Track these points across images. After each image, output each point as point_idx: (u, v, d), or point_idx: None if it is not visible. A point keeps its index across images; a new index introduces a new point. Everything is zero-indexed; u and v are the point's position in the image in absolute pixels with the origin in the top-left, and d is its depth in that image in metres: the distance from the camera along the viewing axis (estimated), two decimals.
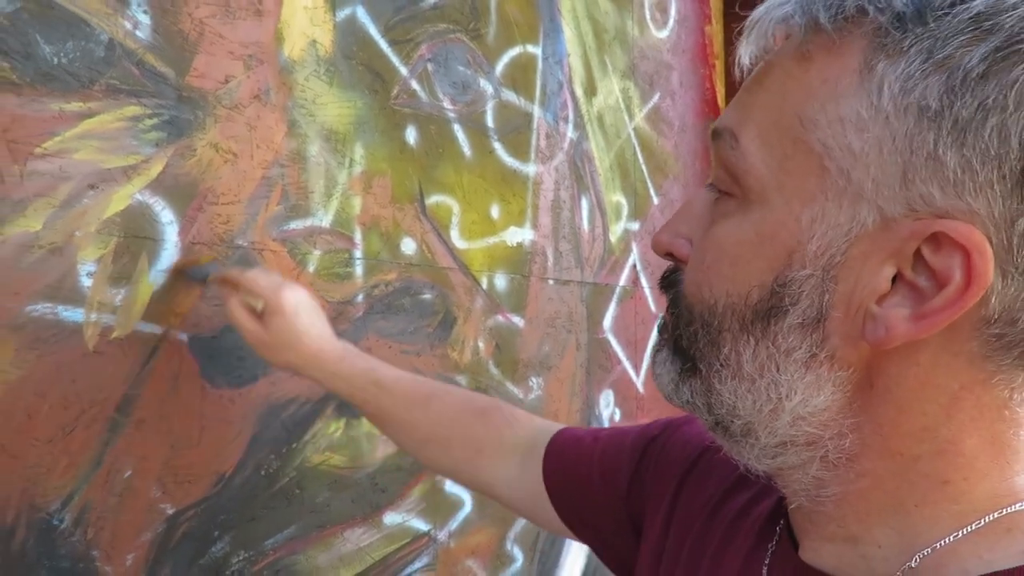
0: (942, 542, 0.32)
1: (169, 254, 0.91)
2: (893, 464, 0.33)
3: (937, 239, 0.29)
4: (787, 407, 0.34)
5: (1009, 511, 0.32)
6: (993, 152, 0.28)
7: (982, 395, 0.32)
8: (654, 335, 0.43)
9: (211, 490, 0.94)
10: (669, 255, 0.41)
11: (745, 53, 0.37)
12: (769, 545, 0.42)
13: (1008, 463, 0.32)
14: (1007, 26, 0.28)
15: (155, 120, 0.90)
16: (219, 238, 0.96)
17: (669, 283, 0.41)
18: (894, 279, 0.31)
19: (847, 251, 0.31)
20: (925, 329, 0.30)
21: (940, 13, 0.29)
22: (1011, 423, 0.32)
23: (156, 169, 0.90)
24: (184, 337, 0.92)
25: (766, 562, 0.41)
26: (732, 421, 0.36)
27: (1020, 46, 0.27)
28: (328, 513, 1.09)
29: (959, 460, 0.33)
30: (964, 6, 0.29)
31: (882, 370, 0.33)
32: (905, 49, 0.29)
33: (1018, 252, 0.29)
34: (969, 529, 0.32)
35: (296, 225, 1.06)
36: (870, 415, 0.33)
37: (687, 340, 0.38)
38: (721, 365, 0.36)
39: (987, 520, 0.32)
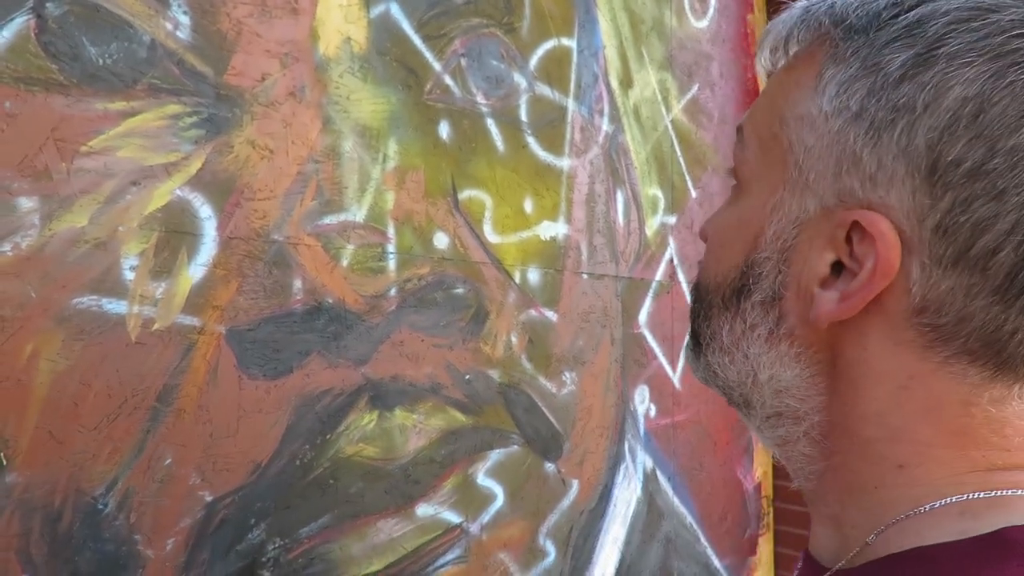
0: (896, 517, 0.34)
1: (208, 248, 0.93)
2: (854, 445, 0.35)
3: (860, 228, 0.32)
4: (761, 379, 0.37)
5: (970, 497, 0.32)
6: (901, 151, 0.30)
7: (934, 386, 0.33)
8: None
9: (248, 478, 0.97)
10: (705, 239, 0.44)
11: (759, 67, 0.41)
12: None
13: (974, 453, 0.33)
14: (930, 33, 0.30)
15: (195, 118, 0.92)
16: (256, 233, 0.99)
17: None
18: (835, 265, 0.34)
19: (796, 236, 0.35)
20: (846, 311, 0.33)
21: (883, 23, 0.32)
22: (978, 417, 0.33)
23: (195, 166, 0.92)
24: (222, 329, 0.95)
25: (798, 566, 0.43)
26: (731, 392, 0.41)
27: (937, 51, 0.30)
28: (361, 503, 1.11)
29: (914, 447, 0.34)
30: (904, 16, 0.31)
31: (840, 352, 0.35)
32: (847, 57, 0.33)
33: (931, 246, 0.31)
34: (923, 510, 0.33)
35: (330, 220, 1.08)
36: (835, 395, 0.36)
37: (694, 319, 0.42)
38: (710, 339, 0.40)
39: (942, 503, 0.33)
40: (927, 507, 0.33)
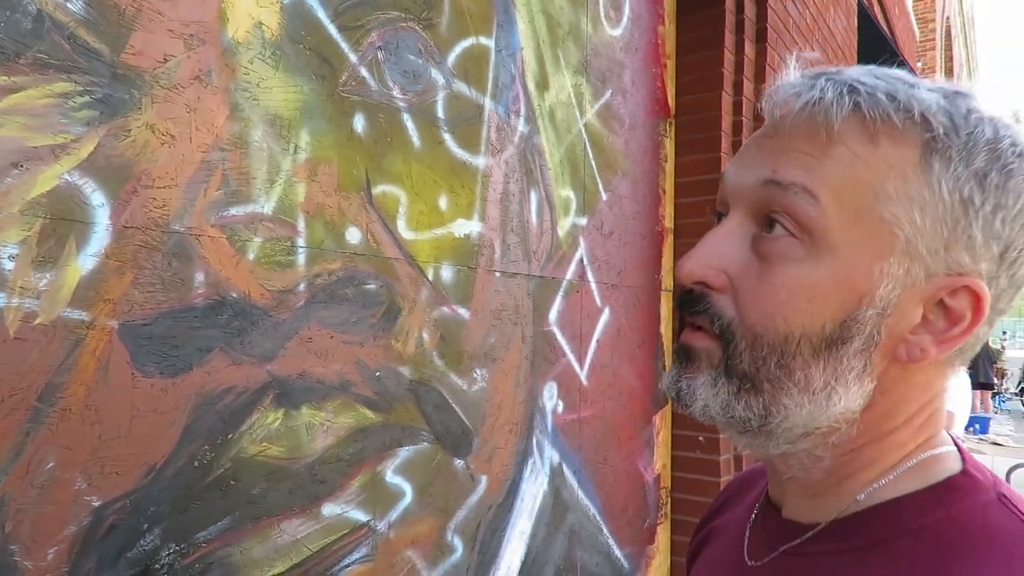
0: (883, 480, 0.45)
1: (100, 237, 0.88)
2: (878, 440, 0.45)
3: (960, 289, 0.42)
4: (833, 412, 0.44)
5: (925, 456, 0.45)
6: (996, 236, 0.42)
7: (939, 391, 0.46)
8: (671, 365, 0.46)
9: (140, 482, 0.92)
10: (700, 283, 0.46)
11: (779, 102, 0.45)
12: (752, 514, 0.54)
13: (929, 428, 0.46)
14: (1005, 150, 0.41)
15: (87, 98, 0.86)
16: (154, 223, 0.93)
17: (703, 309, 0.46)
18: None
19: (900, 295, 0.42)
20: (944, 350, 0.43)
21: (966, 133, 0.41)
22: (936, 403, 0.46)
23: (87, 149, 0.86)
24: (114, 324, 0.89)
25: (749, 523, 0.54)
26: (779, 424, 0.45)
27: (1012, 165, 0.41)
28: (264, 504, 1.07)
29: (911, 431, 0.46)
30: (979, 129, 0.42)
31: (894, 378, 0.44)
32: (952, 156, 0.41)
33: (996, 300, 0.43)
34: (899, 472, 0.45)
35: (236, 211, 1.04)
36: (875, 409, 0.45)
37: (750, 364, 0.44)
38: (792, 383, 0.44)
39: (911, 464, 0.45)
40: (902, 469, 0.45)
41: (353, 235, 1.22)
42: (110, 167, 0.88)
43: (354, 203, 1.22)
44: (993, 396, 11.21)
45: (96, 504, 0.87)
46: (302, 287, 1.13)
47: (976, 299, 0.42)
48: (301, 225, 1.13)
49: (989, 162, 0.41)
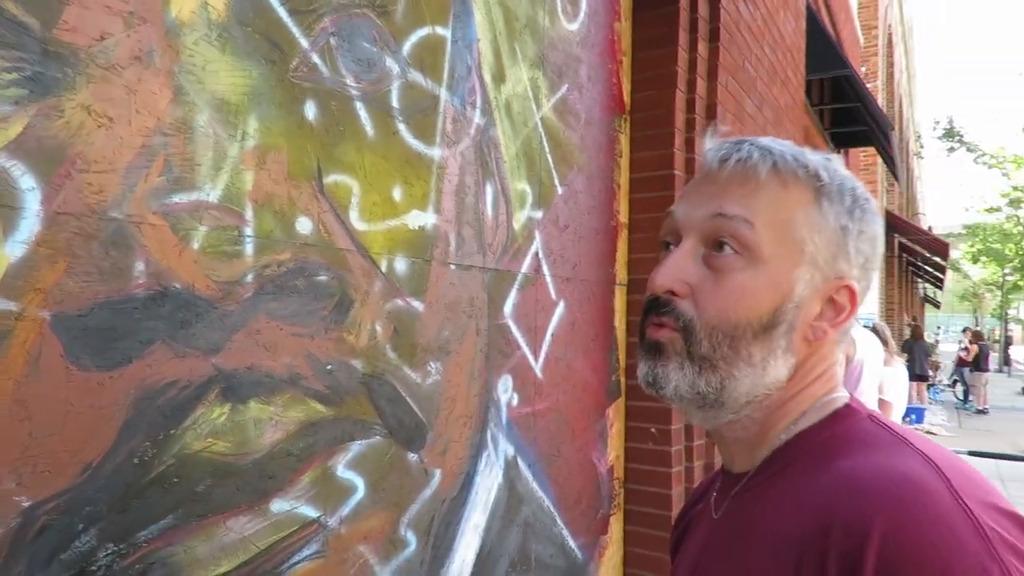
0: (795, 424, 0.61)
1: (29, 224, 0.83)
2: (794, 397, 0.61)
3: (842, 288, 0.61)
4: (767, 380, 0.59)
5: (824, 400, 0.62)
6: (860, 251, 0.61)
7: (836, 354, 0.64)
8: (647, 360, 0.56)
9: (75, 480, 0.88)
10: (669, 292, 0.61)
11: (715, 159, 0.62)
12: (716, 486, 0.68)
13: (833, 382, 0.63)
14: (859, 195, 0.62)
15: (14, 75, 0.81)
16: (90, 209, 0.89)
17: (668, 311, 0.60)
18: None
19: (808, 293, 0.60)
20: (836, 332, 0.62)
21: (838, 184, 0.61)
22: (837, 364, 0.65)
23: (15, 130, 0.81)
24: (46, 315, 0.85)
25: (714, 492, 0.67)
26: (729, 396, 0.59)
27: (865, 205, 0.62)
28: (210, 502, 1.04)
29: (823, 384, 0.62)
30: (843, 181, 0.61)
31: (815, 351, 0.62)
32: (832, 198, 0.60)
33: (860, 295, 0.62)
34: (805, 415, 0.61)
35: (180, 199, 1.00)
36: (793, 376, 0.61)
37: (707, 348, 0.59)
38: (740, 360, 0.59)
39: (814, 407, 0.61)
40: (807, 413, 0.61)
41: (304, 225, 1.19)
42: (41, 149, 0.84)
43: (305, 192, 1.19)
44: (928, 388, 11.73)
45: (26, 504, 0.83)
46: (250, 278, 1.10)
47: (852, 295, 0.61)
48: (249, 214, 1.10)
49: (852, 202, 0.61)
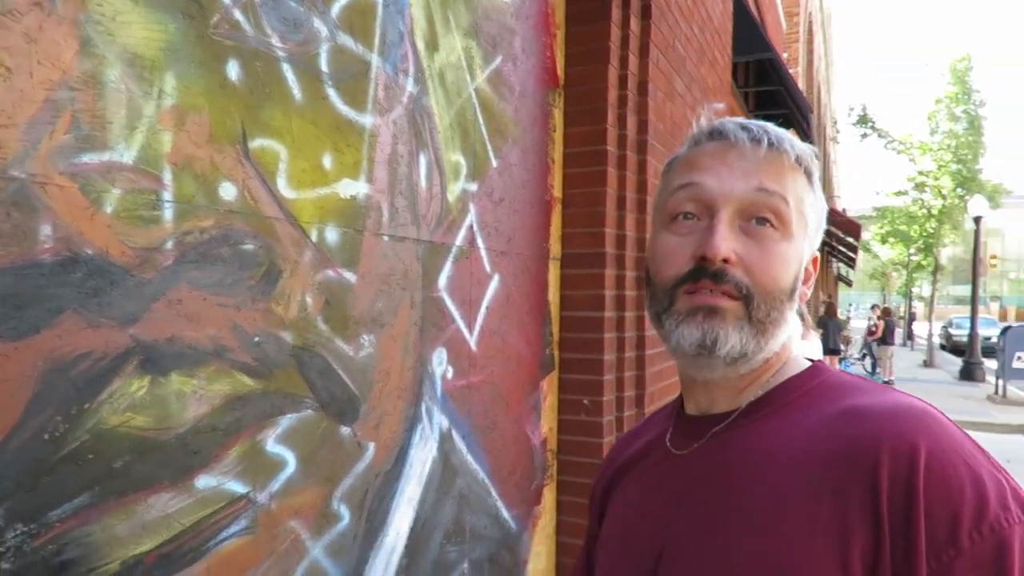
0: (779, 374, 0.69)
1: None
2: (784, 350, 0.70)
3: (814, 258, 0.72)
4: (784, 339, 0.68)
5: (796, 355, 0.71)
6: (819, 224, 0.72)
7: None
8: (701, 323, 0.65)
9: None
10: (725, 260, 0.65)
11: (745, 138, 0.67)
12: (667, 430, 0.75)
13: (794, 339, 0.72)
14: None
15: None
16: None
17: (727, 280, 0.65)
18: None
19: (806, 262, 0.69)
20: (807, 294, 0.71)
21: (814, 164, 0.70)
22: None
23: None
24: None
25: (667, 435, 0.74)
26: (762, 353, 0.66)
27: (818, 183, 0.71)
28: (129, 479, 0.99)
29: (792, 342, 0.70)
30: (815, 164, 0.70)
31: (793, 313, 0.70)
32: (814, 178, 0.70)
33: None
34: (785, 366, 0.70)
35: (90, 159, 0.94)
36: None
37: (764, 312, 0.65)
38: (782, 321, 0.67)
39: (792, 361, 0.70)
40: (787, 365, 0.70)
41: (228, 191, 1.14)
42: None
43: (228, 156, 1.14)
44: (840, 360, 12.48)
45: None
46: (170, 245, 1.05)
47: (815, 262, 0.73)
48: (168, 178, 1.04)
49: (815, 184, 0.71)
